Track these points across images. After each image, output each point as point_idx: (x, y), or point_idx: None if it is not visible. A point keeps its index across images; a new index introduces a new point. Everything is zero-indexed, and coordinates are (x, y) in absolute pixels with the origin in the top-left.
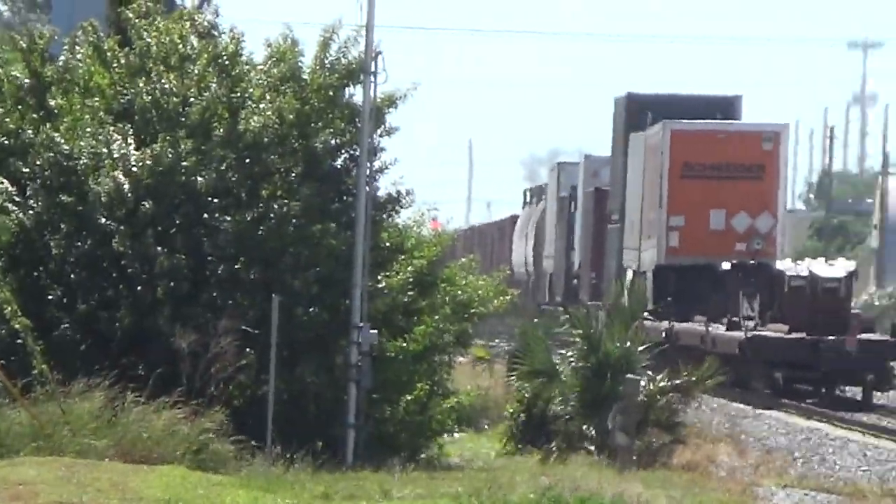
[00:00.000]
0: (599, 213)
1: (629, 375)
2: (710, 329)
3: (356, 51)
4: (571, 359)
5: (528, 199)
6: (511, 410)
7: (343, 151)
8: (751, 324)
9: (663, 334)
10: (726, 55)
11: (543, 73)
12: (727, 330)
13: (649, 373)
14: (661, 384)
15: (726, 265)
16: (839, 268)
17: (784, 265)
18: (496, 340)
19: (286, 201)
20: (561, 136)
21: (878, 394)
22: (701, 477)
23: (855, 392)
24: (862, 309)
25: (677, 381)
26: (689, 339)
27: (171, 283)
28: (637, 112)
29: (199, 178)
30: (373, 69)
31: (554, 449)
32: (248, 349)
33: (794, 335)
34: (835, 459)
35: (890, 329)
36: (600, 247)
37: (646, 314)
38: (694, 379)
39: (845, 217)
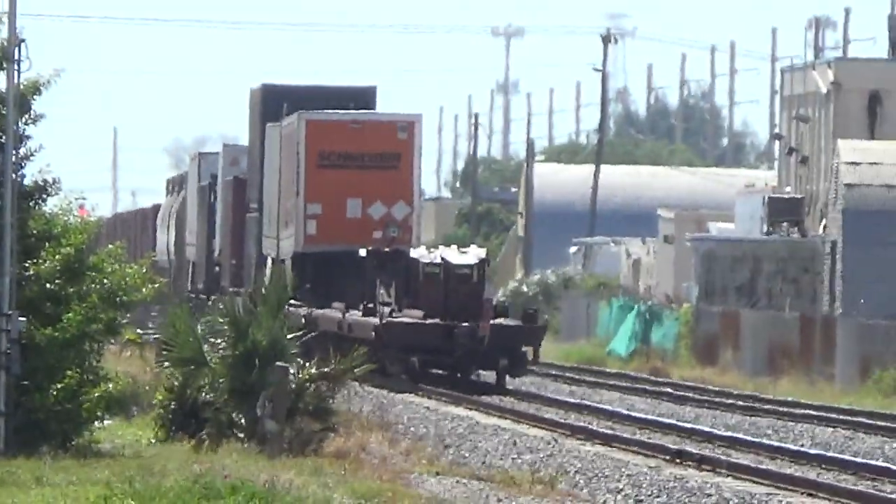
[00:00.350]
0: (239, 202)
1: (278, 363)
2: (346, 315)
3: None
4: (220, 347)
5: (170, 189)
6: (161, 398)
7: None
8: (387, 310)
9: (303, 320)
10: (372, 42)
11: (188, 62)
12: (363, 316)
13: (299, 360)
14: (311, 372)
15: (363, 252)
16: (471, 255)
17: (418, 252)
18: (149, 326)
19: None
20: (206, 124)
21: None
22: (353, 464)
23: (489, 376)
24: (511, 296)
25: (326, 369)
26: (327, 325)
27: None
28: (273, 103)
29: None
30: (16, 56)
31: (205, 437)
32: None
33: (428, 321)
34: (486, 447)
35: (521, 315)
36: (240, 235)
37: None
38: (343, 367)
39: (491, 204)
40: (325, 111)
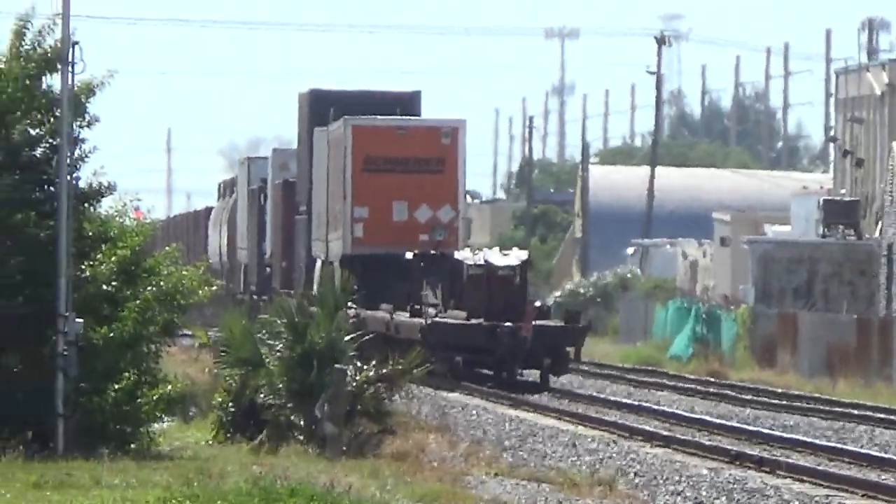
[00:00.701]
0: (288, 205)
1: (336, 365)
2: (394, 316)
3: (52, 40)
4: (278, 348)
5: (221, 192)
6: (219, 400)
7: (43, 141)
8: (433, 311)
9: (352, 321)
10: (427, 44)
11: (242, 63)
12: (410, 317)
13: (356, 362)
14: (369, 374)
15: (409, 255)
16: (513, 256)
17: (462, 254)
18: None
19: None
20: (261, 126)
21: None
22: (411, 467)
23: (533, 375)
24: (567, 297)
25: (384, 371)
26: (376, 325)
27: None
28: (321, 107)
29: None
30: (70, 58)
31: (264, 439)
32: None
33: (472, 321)
34: (545, 449)
35: (564, 316)
36: (290, 237)
37: None
38: (400, 368)
39: (547, 206)
40: (371, 117)
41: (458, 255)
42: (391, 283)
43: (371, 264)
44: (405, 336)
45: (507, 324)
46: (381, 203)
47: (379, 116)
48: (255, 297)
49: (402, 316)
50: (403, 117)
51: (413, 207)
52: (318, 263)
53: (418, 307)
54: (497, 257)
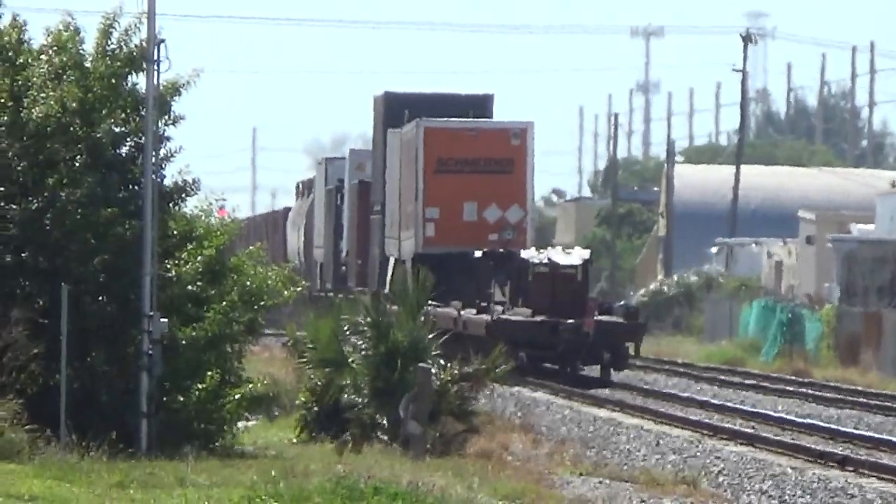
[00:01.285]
0: (364, 205)
1: (420, 364)
2: (461, 313)
3: (138, 38)
4: (361, 347)
5: (299, 192)
6: (303, 399)
7: (128, 140)
8: (499, 308)
9: (422, 318)
10: (513, 42)
11: (326, 61)
12: (477, 314)
13: (441, 361)
14: (453, 373)
15: (478, 254)
16: (575, 255)
17: (528, 253)
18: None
19: (71, 190)
20: (345, 124)
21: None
22: (495, 465)
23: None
24: (651, 296)
25: (468, 370)
26: (444, 322)
27: None
28: (395, 109)
29: None
30: (156, 57)
31: (348, 438)
32: (38, 338)
33: (536, 318)
34: (629, 448)
35: (624, 313)
36: (365, 236)
37: None
38: (484, 367)
39: (632, 204)
40: (443, 119)
41: (523, 254)
42: (460, 281)
43: (441, 263)
44: (472, 332)
45: (570, 320)
46: (452, 203)
47: (450, 119)
48: (331, 295)
49: (470, 313)
50: (474, 119)
51: (482, 207)
52: (391, 262)
53: (485, 304)
54: (560, 256)
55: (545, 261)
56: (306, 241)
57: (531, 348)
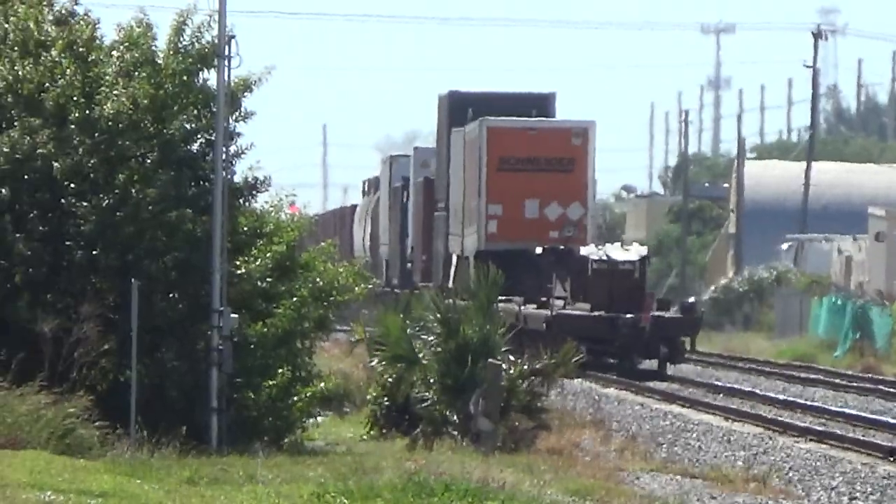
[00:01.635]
0: (428, 202)
1: (490, 360)
2: (522, 308)
3: (210, 35)
4: (432, 344)
5: (366, 189)
6: (374, 395)
7: (199, 136)
8: (560, 303)
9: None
10: (584, 39)
11: (397, 58)
12: (537, 309)
13: (510, 356)
14: (522, 368)
15: (539, 250)
16: (633, 252)
17: (587, 250)
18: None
19: (142, 186)
20: (416, 120)
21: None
22: (565, 462)
23: (652, 364)
24: (722, 293)
25: (538, 366)
26: (507, 316)
27: (30, 270)
28: (459, 108)
29: (56, 164)
30: (227, 53)
31: (418, 434)
32: (109, 334)
33: (594, 313)
34: (699, 444)
35: (680, 308)
36: (430, 232)
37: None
38: (554, 363)
39: (702, 201)
40: (505, 118)
41: (583, 250)
42: (522, 277)
43: (503, 259)
44: (533, 327)
45: (627, 315)
46: (514, 200)
47: (513, 118)
48: (396, 291)
49: (531, 308)
50: (535, 119)
51: (544, 205)
52: (454, 258)
53: (545, 299)
54: (618, 253)
55: (604, 258)
56: (372, 238)
57: (590, 342)
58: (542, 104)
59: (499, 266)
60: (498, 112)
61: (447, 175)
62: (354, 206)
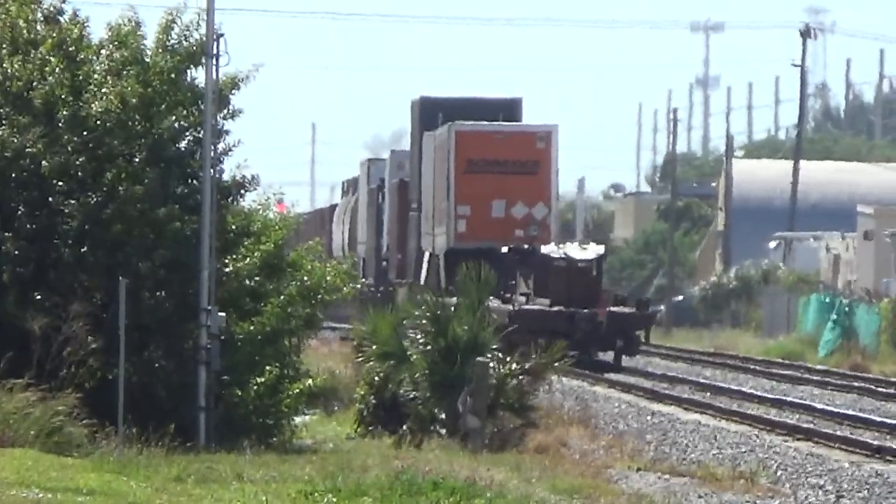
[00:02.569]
0: (403, 202)
1: (479, 358)
2: (489, 304)
3: (198, 33)
4: (421, 341)
5: (345, 190)
6: (362, 393)
7: (187, 134)
8: (523, 299)
9: (452, 309)
10: (570, 37)
11: (385, 56)
12: (501, 304)
13: (499, 354)
14: (511, 367)
15: (504, 249)
16: (590, 251)
17: (548, 249)
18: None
19: (130, 185)
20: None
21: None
22: (553, 460)
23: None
24: (710, 290)
25: (526, 364)
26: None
27: (18, 268)
28: (430, 113)
29: (44, 162)
30: (215, 51)
31: (406, 432)
32: (97, 332)
33: (554, 308)
34: (687, 442)
35: (635, 303)
36: (404, 231)
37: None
38: (543, 361)
39: (690, 199)
40: (473, 122)
41: (544, 249)
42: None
43: (471, 257)
44: (497, 321)
45: (585, 310)
46: (482, 201)
47: (480, 122)
48: (372, 289)
49: (496, 303)
50: (502, 123)
51: (510, 205)
52: (427, 256)
53: (508, 295)
54: (576, 251)
55: (563, 256)
56: (350, 238)
57: (550, 336)
58: (508, 109)
59: (468, 263)
60: (466, 117)
61: (419, 177)
62: (334, 207)
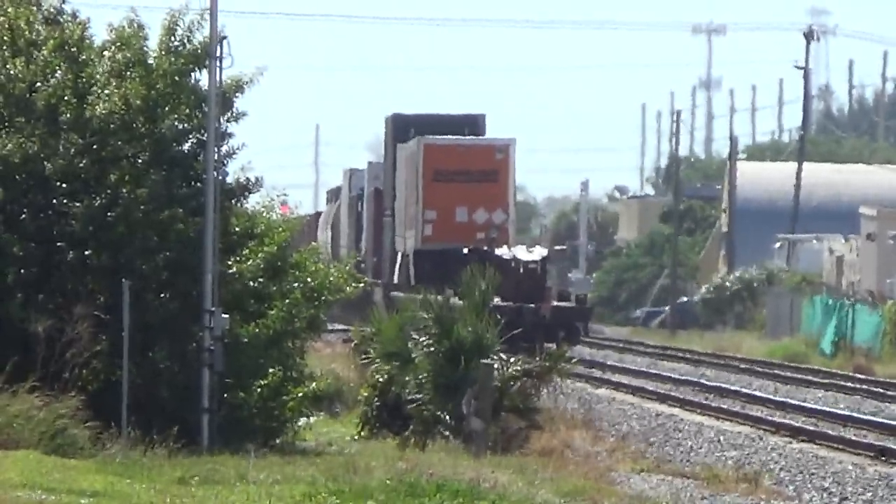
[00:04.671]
0: (378, 209)
1: (483, 361)
2: (451, 300)
3: (201, 35)
4: (424, 343)
5: (329, 198)
6: (365, 395)
7: (190, 137)
8: None
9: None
10: (574, 39)
11: (386, 57)
12: (458, 299)
13: (502, 356)
14: (515, 369)
15: (465, 250)
16: (536, 252)
17: (500, 251)
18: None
19: (134, 187)
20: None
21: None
22: (557, 462)
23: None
24: (714, 292)
25: (530, 367)
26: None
27: (22, 270)
28: (402, 128)
29: (48, 164)
30: (218, 53)
31: (410, 434)
32: (101, 335)
33: (504, 303)
34: (690, 444)
35: (575, 299)
36: (380, 236)
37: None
38: (547, 364)
39: (694, 201)
40: (439, 136)
41: (497, 251)
42: (453, 273)
43: (437, 257)
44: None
45: (531, 305)
46: (447, 207)
47: (446, 136)
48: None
49: (455, 299)
50: (465, 137)
51: (472, 211)
52: (399, 256)
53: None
54: (524, 253)
55: (512, 257)
56: (334, 242)
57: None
58: (473, 124)
59: (434, 264)
60: (436, 131)
61: (393, 185)
62: (319, 214)
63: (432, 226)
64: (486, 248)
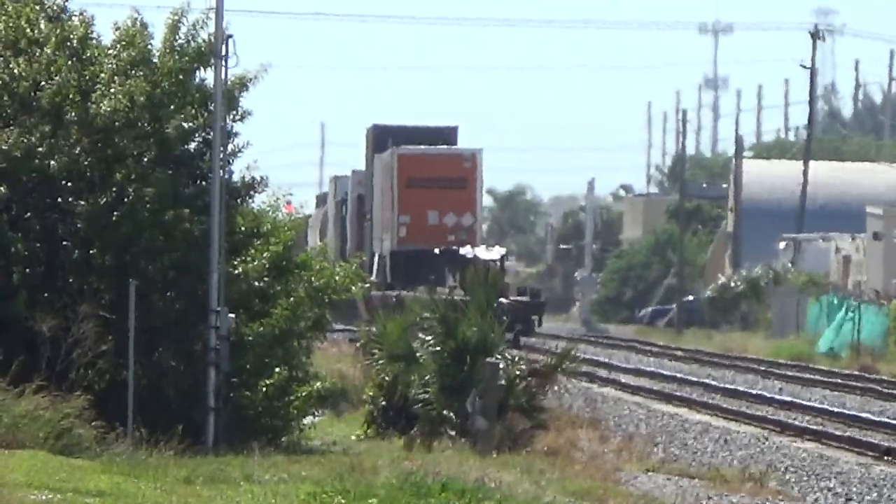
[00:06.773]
0: (360, 213)
1: (488, 359)
2: (417, 295)
3: (206, 34)
4: (430, 343)
5: (318, 203)
6: (371, 394)
7: (196, 135)
8: (447, 291)
9: (394, 300)
10: (581, 39)
11: (395, 56)
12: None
13: (507, 356)
14: (520, 368)
15: (437, 251)
16: (496, 252)
17: (465, 250)
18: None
19: (139, 186)
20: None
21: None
22: (563, 462)
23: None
24: (719, 292)
25: (536, 366)
26: (409, 303)
27: (27, 269)
28: (381, 138)
29: (52, 163)
30: (223, 52)
31: (416, 434)
32: (106, 334)
33: (467, 297)
34: (696, 444)
35: (530, 294)
36: (362, 237)
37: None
38: (553, 363)
39: (700, 200)
40: (412, 146)
41: (461, 251)
42: (425, 272)
43: (411, 257)
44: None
45: None
46: (419, 211)
47: (419, 146)
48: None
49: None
50: (436, 147)
51: (442, 215)
52: (377, 257)
53: (436, 287)
54: (483, 252)
55: (473, 255)
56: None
57: None
58: (446, 135)
59: (408, 263)
60: (410, 142)
61: (372, 191)
62: (309, 216)
63: (406, 228)
64: (455, 248)
